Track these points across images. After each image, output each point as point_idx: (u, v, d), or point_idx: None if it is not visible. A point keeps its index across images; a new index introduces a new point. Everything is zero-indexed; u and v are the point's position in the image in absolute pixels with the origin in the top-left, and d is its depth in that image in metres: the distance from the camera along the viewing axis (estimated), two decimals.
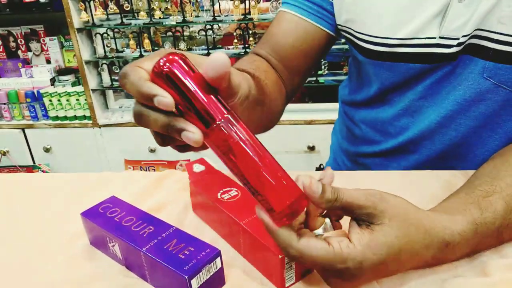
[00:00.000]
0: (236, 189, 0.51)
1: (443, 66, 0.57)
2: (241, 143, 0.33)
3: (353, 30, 0.62)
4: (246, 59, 0.64)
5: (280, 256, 0.40)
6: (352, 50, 0.66)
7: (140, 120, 0.34)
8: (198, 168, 0.56)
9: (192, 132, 0.32)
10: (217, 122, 0.33)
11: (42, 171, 1.98)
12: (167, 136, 0.35)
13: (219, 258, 0.41)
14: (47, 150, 2.01)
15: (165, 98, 0.31)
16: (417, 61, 0.57)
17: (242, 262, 0.46)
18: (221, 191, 0.51)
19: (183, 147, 0.38)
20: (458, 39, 0.53)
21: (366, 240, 0.34)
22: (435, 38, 0.54)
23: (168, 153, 2.02)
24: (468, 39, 0.53)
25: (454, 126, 0.59)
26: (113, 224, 0.47)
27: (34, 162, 2.03)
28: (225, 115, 0.33)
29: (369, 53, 0.61)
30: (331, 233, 0.38)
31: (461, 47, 0.54)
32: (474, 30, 0.53)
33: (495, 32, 0.51)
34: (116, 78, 2.08)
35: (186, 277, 0.38)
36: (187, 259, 0.40)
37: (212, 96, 0.33)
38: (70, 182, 0.66)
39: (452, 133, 0.60)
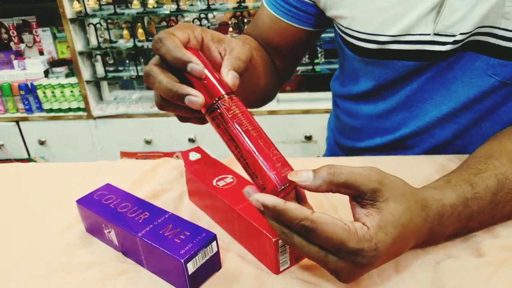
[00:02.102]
0: (231, 176, 0.51)
1: (438, 63, 0.55)
2: (240, 122, 0.35)
3: (342, 26, 0.59)
4: (239, 37, 0.64)
5: (274, 239, 0.40)
6: (342, 45, 0.64)
7: (147, 79, 0.38)
8: (194, 156, 0.56)
9: (195, 96, 0.36)
10: (219, 99, 0.36)
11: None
12: (168, 101, 0.38)
13: (215, 242, 0.42)
14: (42, 143, 2.00)
15: (198, 65, 0.36)
16: (410, 59, 0.55)
17: (238, 247, 0.46)
18: (216, 178, 0.51)
19: (183, 118, 0.41)
20: (454, 36, 0.51)
21: (377, 220, 0.33)
22: (429, 35, 0.52)
23: (165, 144, 2.01)
24: (470, 36, 0.51)
25: (455, 120, 0.58)
26: (108, 210, 0.47)
27: (29, 155, 2.02)
28: (228, 94, 0.37)
29: (359, 50, 0.59)
30: None
31: (458, 45, 0.52)
32: (477, 28, 0.50)
33: (499, 28, 0.49)
34: (111, 69, 2.07)
35: (182, 261, 0.38)
36: (183, 243, 0.40)
37: (216, 75, 0.37)
38: (65, 171, 0.66)
39: (454, 126, 0.59)
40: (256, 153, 0.35)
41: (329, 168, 0.34)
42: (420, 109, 0.60)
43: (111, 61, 2.05)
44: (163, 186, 0.59)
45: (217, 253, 0.42)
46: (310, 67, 1.87)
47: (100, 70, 2.02)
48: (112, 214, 0.46)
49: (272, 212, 0.33)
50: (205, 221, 0.51)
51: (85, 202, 0.49)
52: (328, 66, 1.90)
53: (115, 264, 0.45)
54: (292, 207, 0.33)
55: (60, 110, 1.97)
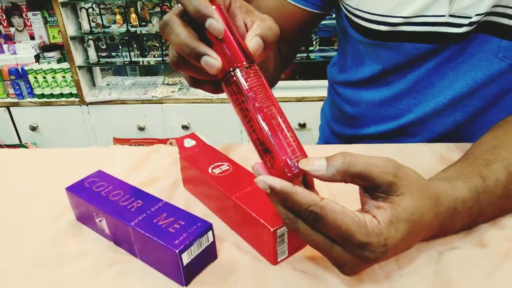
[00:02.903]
0: (227, 164, 0.49)
1: (450, 46, 0.53)
2: (256, 96, 0.33)
3: (350, 7, 0.57)
4: None
5: (272, 229, 0.38)
6: (347, 27, 0.61)
7: (164, 29, 0.33)
8: (188, 143, 0.55)
9: (213, 58, 0.32)
10: (237, 66, 0.33)
11: None
12: (183, 59, 0.34)
13: (210, 231, 0.40)
14: (33, 128, 1.97)
15: (217, 22, 0.32)
16: (422, 41, 0.53)
17: (234, 237, 0.45)
18: (212, 166, 0.49)
19: (196, 81, 0.37)
20: (470, 17, 0.49)
21: (388, 215, 0.31)
22: (444, 16, 0.50)
23: (158, 131, 1.99)
24: (483, 17, 0.50)
25: (461, 107, 0.56)
26: (99, 198, 0.45)
27: (20, 141, 1.99)
28: (248, 62, 0.33)
29: (369, 33, 0.56)
30: None
31: (473, 26, 0.50)
32: (491, 7, 0.48)
33: None
34: (103, 54, 2.03)
35: (177, 251, 0.37)
36: (177, 233, 0.39)
37: (239, 40, 0.34)
38: (55, 157, 0.64)
39: (458, 114, 0.57)
40: (268, 132, 0.32)
41: (343, 157, 0.31)
42: (426, 95, 0.58)
43: (103, 47, 2.01)
44: (157, 173, 0.57)
45: (213, 243, 0.41)
46: (305, 55, 1.84)
47: (92, 55, 1.98)
48: (104, 202, 0.44)
49: (279, 195, 0.31)
50: (200, 209, 0.50)
51: (75, 190, 0.47)
52: (322, 53, 1.88)
53: (106, 254, 0.44)
54: (301, 192, 0.30)
55: (52, 95, 1.93)
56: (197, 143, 0.55)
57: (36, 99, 1.93)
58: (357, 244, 0.31)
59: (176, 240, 0.38)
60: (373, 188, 0.32)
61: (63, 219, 0.49)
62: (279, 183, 0.31)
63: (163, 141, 1.97)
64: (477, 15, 0.49)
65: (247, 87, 0.33)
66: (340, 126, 0.70)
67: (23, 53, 1.94)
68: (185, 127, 1.95)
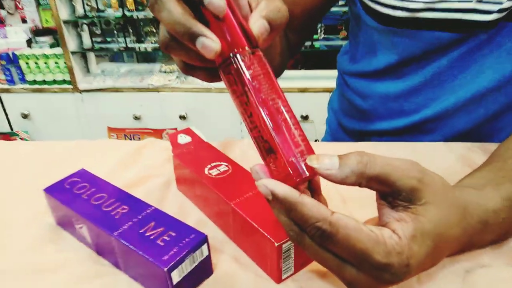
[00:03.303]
0: (226, 164, 0.44)
1: (477, 35, 0.48)
2: (260, 87, 0.27)
3: None
4: None
5: (276, 244, 0.33)
6: (361, 13, 0.56)
7: (154, 5, 0.27)
8: (183, 139, 0.49)
9: (212, 40, 0.27)
10: (239, 51, 0.28)
11: (21, 138, 1.88)
12: (176, 40, 0.28)
13: (205, 245, 0.35)
14: (25, 116, 1.90)
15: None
16: (445, 29, 0.48)
17: (233, 247, 0.40)
18: (209, 166, 0.44)
19: (189, 67, 0.32)
20: (501, 3, 0.44)
21: (411, 229, 0.26)
22: (471, 1, 0.45)
23: (154, 121, 1.93)
24: None
25: (485, 104, 0.51)
26: (80, 202, 0.40)
27: (12, 129, 1.93)
28: (252, 47, 0.28)
29: (385, 19, 0.51)
30: None
31: (503, 14, 0.45)
32: None
33: None
34: (98, 40, 1.96)
35: (165, 269, 0.32)
36: (167, 246, 0.34)
37: (242, 22, 0.28)
38: (37, 152, 0.58)
39: (481, 110, 0.52)
40: (273, 129, 0.27)
41: (359, 155, 0.26)
42: (446, 89, 0.53)
43: (98, 32, 1.94)
44: (148, 171, 0.52)
45: (208, 257, 0.36)
46: (309, 43, 1.78)
47: (86, 40, 1.90)
48: (84, 207, 0.39)
49: (282, 205, 0.26)
50: (195, 215, 0.45)
51: (54, 191, 0.42)
52: (328, 42, 1.81)
53: (88, 266, 0.39)
54: (308, 202, 0.26)
55: (44, 82, 1.87)
56: (192, 139, 0.49)
57: (27, 86, 1.86)
58: (375, 265, 0.26)
59: (165, 256, 0.33)
60: (392, 194, 0.27)
61: (41, 222, 0.44)
62: (283, 190, 0.26)
63: (159, 132, 1.92)
64: (509, 0, 0.44)
65: (249, 76, 0.27)
66: (350, 120, 0.65)
67: (14, 37, 1.87)
68: (182, 117, 1.90)
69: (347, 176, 0.26)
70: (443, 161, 0.52)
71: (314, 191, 0.30)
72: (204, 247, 0.35)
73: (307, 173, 0.26)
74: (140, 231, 0.35)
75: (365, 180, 0.26)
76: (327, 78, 1.71)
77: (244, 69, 0.27)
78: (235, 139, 0.57)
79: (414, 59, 0.53)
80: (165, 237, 0.35)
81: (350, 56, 0.63)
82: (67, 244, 0.41)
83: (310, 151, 0.27)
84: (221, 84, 0.30)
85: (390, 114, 0.58)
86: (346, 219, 0.26)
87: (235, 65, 0.28)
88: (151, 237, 0.35)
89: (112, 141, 0.59)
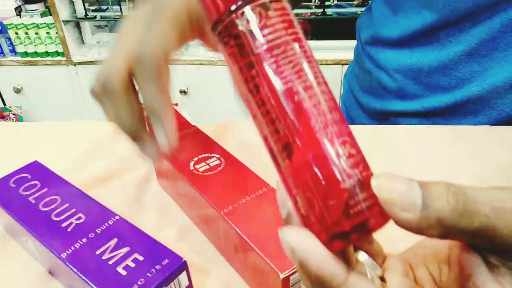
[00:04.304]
0: (218, 156, 0.34)
1: None
2: (280, 68, 0.15)
3: None
4: None
5: (282, 276, 0.24)
6: None
7: (99, 95, 0.27)
8: None
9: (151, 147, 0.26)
10: (250, 2, 0.15)
11: (14, 114, 1.79)
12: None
13: (184, 273, 0.26)
14: (17, 90, 1.81)
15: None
16: None
17: (224, 267, 0.31)
18: (195, 159, 0.34)
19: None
20: None
21: None
22: None
23: None
24: None
25: None
26: (26, 208, 0.30)
27: (4, 104, 1.84)
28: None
29: None
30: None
31: None
32: None
33: None
34: (92, 8, 1.83)
35: None
36: (130, 276, 0.24)
37: None
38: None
39: None
40: (305, 130, 0.15)
41: (453, 195, 0.15)
42: (497, 60, 0.42)
43: None
44: (125, 162, 0.42)
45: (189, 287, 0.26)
46: (320, 10, 1.63)
47: (80, 8, 1.78)
48: (30, 215, 0.30)
49: (310, 276, 0.16)
50: (178, 219, 0.35)
51: None
52: (341, 10, 1.66)
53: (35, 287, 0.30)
54: (328, 265, 0.15)
55: (36, 54, 1.75)
56: (178, 123, 0.39)
57: (19, 58, 1.76)
58: None
59: None
60: (494, 251, 0.16)
61: None
62: (316, 260, 0.15)
63: None
64: None
65: (261, 49, 0.15)
66: (371, 99, 0.54)
67: (2, 5, 1.75)
68: (183, 92, 1.79)
69: (429, 226, 0.15)
70: (492, 151, 0.41)
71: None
72: (183, 276, 0.25)
73: (369, 220, 0.15)
74: (97, 253, 0.26)
75: (453, 234, 0.15)
76: (341, 49, 1.56)
77: (250, 37, 0.15)
78: (238, 120, 0.47)
79: (457, 21, 0.42)
80: (129, 263, 0.25)
81: (373, 19, 0.52)
82: (14, 259, 0.32)
83: (366, 169, 0.16)
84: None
85: (423, 91, 0.47)
86: None
87: (241, 27, 0.16)
88: (109, 262, 0.25)
89: (86, 122, 0.50)
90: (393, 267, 0.19)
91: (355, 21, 0.59)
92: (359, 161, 0.15)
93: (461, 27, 0.42)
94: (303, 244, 0.15)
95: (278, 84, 0.15)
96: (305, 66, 0.16)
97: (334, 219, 0.15)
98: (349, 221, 0.15)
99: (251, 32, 0.15)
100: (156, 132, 0.26)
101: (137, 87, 0.26)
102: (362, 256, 0.18)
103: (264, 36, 0.15)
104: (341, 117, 0.16)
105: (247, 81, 0.16)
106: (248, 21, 0.16)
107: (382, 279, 0.18)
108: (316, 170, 0.15)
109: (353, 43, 0.61)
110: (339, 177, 0.15)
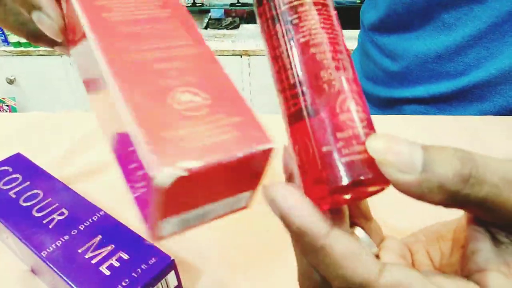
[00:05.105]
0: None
1: None
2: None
3: None
4: None
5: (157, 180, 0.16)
6: None
7: None
8: None
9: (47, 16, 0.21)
10: None
11: (7, 105, 1.77)
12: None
13: (173, 272, 0.24)
14: (11, 81, 1.78)
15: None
16: None
17: (216, 266, 0.29)
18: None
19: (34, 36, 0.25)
20: None
21: None
22: None
23: None
24: None
25: None
26: (6, 203, 0.29)
27: None
28: None
29: None
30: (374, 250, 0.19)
31: None
32: None
33: None
34: None
35: None
36: (114, 277, 0.23)
37: None
38: None
39: None
40: (313, 79, 0.15)
41: (459, 159, 0.14)
42: (506, 44, 0.40)
43: None
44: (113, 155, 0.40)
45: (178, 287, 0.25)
46: None
47: None
48: (10, 211, 0.28)
49: (297, 240, 0.15)
50: None
51: None
52: None
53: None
54: (342, 250, 0.14)
55: (29, 44, 1.72)
56: None
57: (12, 48, 1.73)
58: None
59: None
60: (503, 226, 0.15)
61: None
62: (298, 215, 0.14)
63: None
64: None
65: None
66: (375, 86, 0.52)
67: None
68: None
69: (429, 190, 0.14)
70: (498, 141, 0.40)
71: (360, 209, 0.19)
72: (171, 276, 0.24)
73: (362, 177, 0.14)
74: (79, 251, 0.24)
75: (458, 202, 0.14)
76: (346, 38, 1.54)
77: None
78: None
79: (463, 2, 0.40)
80: (114, 261, 0.24)
81: (377, 3, 0.49)
82: None
83: (370, 125, 0.16)
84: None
85: (428, 77, 0.45)
86: (407, 277, 0.14)
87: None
88: (92, 261, 0.24)
89: (75, 114, 0.48)
90: (390, 248, 0.18)
91: (355, 10, 0.57)
92: (363, 119, 0.15)
93: (467, 10, 0.40)
94: (287, 195, 0.15)
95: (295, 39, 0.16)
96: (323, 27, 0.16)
97: (327, 169, 0.14)
98: (343, 175, 0.14)
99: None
100: (40, 25, 0.21)
101: None
102: (358, 231, 0.18)
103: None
104: (354, 75, 0.16)
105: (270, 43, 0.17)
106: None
107: (377, 258, 0.18)
108: (316, 119, 0.15)
109: (353, 32, 0.59)
110: (336, 126, 0.15)
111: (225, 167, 0.14)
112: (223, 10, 1.78)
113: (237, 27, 1.71)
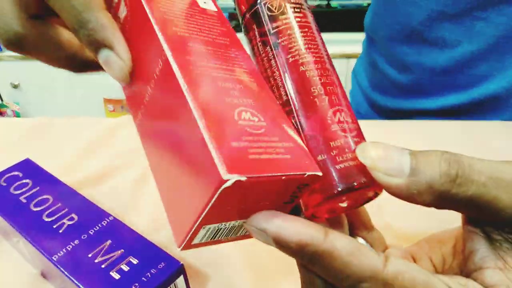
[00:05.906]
0: None
1: None
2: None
3: None
4: None
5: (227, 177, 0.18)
6: None
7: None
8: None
9: (118, 57, 0.18)
10: None
11: (12, 110, 1.78)
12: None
13: (181, 277, 0.24)
14: (15, 86, 1.79)
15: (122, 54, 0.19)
16: None
17: (224, 271, 0.29)
18: None
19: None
20: None
21: None
22: None
23: None
24: None
25: None
26: (16, 208, 0.29)
27: (1, 100, 1.82)
28: None
29: None
30: None
31: None
32: None
33: None
34: None
35: None
36: (123, 281, 0.23)
37: None
38: None
39: None
40: (304, 95, 0.17)
41: (445, 161, 0.15)
42: None
43: None
44: (120, 160, 0.41)
45: None
46: (325, 2, 1.59)
47: None
48: (21, 216, 0.28)
49: (300, 256, 0.15)
50: None
51: None
52: (345, 2, 1.62)
53: None
54: (343, 251, 0.15)
55: None
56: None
57: (15, 53, 1.74)
58: None
59: None
60: (494, 224, 0.16)
61: None
62: (290, 232, 0.15)
63: None
64: None
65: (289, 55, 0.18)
66: (382, 96, 0.51)
67: None
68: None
69: (419, 191, 0.15)
70: (506, 147, 0.40)
71: (360, 220, 0.19)
72: (180, 280, 0.24)
73: (355, 182, 0.15)
74: (89, 255, 0.25)
75: (448, 202, 0.15)
76: (347, 42, 1.53)
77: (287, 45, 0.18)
78: None
79: (474, 9, 0.39)
80: (123, 266, 0.24)
81: (384, 18, 0.49)
82: (6, 260, 0.31)
83: (359, 135, 0.17)
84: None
85: (439, 90, 0.45)
86: (411, 271, 0.15)
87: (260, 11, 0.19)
88: (102, 265, 0.24)
89: (80, 119, 0.48)
90: (393, 255, 0.19)
91: (360, 13, 0.57)
92: (353, 129, 0.17)
93: (478, 17, 0.39)
94: (272, 219, 0.15)
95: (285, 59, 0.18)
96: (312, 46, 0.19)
97: (322, 177, 0.15)
98: (338, 182, 0.16)
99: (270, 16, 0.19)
100: (107, 66, 0.19)
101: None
102: (360, 241, 0.19)
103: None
104: (342, 90, 0.18)
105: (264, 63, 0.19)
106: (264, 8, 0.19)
107: None
108: (309, 131, 0.16)
109: (358, 35, 0.59)
110: (329, 136, 0.16)
111: (276, 184, 0.15)
112: (227, 13, 1.79)
113: (241, 30, 1.72)
